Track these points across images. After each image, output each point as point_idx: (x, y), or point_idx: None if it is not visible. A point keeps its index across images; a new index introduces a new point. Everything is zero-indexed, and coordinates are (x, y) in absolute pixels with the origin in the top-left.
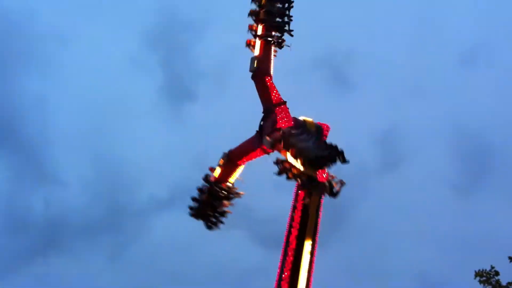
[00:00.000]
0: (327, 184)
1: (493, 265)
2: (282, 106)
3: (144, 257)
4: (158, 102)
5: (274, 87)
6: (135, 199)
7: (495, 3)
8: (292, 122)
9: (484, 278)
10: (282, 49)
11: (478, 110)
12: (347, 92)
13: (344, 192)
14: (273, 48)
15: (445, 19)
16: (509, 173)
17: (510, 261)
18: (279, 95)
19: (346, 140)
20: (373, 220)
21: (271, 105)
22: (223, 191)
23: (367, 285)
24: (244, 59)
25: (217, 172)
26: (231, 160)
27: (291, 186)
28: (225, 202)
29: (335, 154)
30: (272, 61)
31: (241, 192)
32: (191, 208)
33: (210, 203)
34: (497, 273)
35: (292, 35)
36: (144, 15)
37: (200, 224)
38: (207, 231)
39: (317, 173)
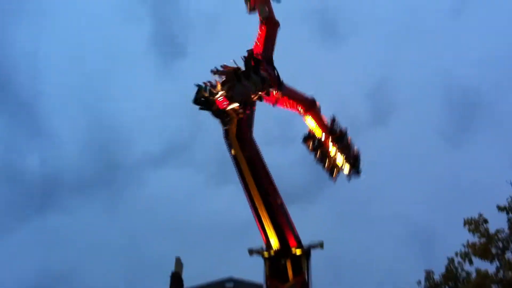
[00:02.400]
0: None
1: (481, 213)
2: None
3: (139, 211)
4: (149, 52)
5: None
6: (129, 154)
7: None
8: None
9: (473, 226)
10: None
11: (467, 61)
12: (336, 45)
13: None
14: None
15: None
16: (498, 124)
17: (499, 210)
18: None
19: (337, 93)
20: (363, 171)
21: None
22: None
23: (356, 229)
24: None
25: None
26: None
27: (284, 143)
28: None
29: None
30: None
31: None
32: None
33: None
34: (485, 221)
35: None
36: None
37: (195, 179)
38: (202, 186)
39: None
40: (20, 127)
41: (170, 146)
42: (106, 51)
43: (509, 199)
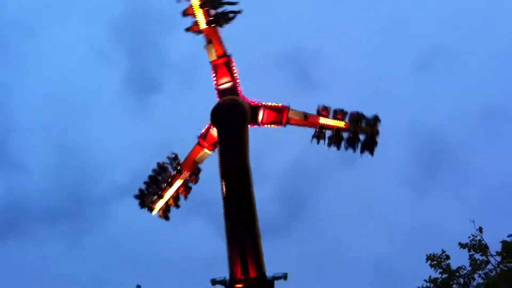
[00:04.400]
0: None
1: (444, 250)
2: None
3: (104, 243)
4: (123, 92)
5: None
6: (97, 187)
7: (453, 9)
8: None
9: (435, 262)
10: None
11: (434, 112)
12: (311, 90)
13: (304, 183)
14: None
15: (406, 25)
16: (460, 171)
17: (460, 247)
18: None
19: (309, 136)
20: (332, 212)
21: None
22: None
23: (326, 274)
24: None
25: None
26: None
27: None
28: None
29: None
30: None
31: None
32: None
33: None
34: (448, 257)
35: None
36: (112, 6)
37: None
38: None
39: None
40: None
41: (137, 179)
42: (78, 89)
43: (471, 237)
